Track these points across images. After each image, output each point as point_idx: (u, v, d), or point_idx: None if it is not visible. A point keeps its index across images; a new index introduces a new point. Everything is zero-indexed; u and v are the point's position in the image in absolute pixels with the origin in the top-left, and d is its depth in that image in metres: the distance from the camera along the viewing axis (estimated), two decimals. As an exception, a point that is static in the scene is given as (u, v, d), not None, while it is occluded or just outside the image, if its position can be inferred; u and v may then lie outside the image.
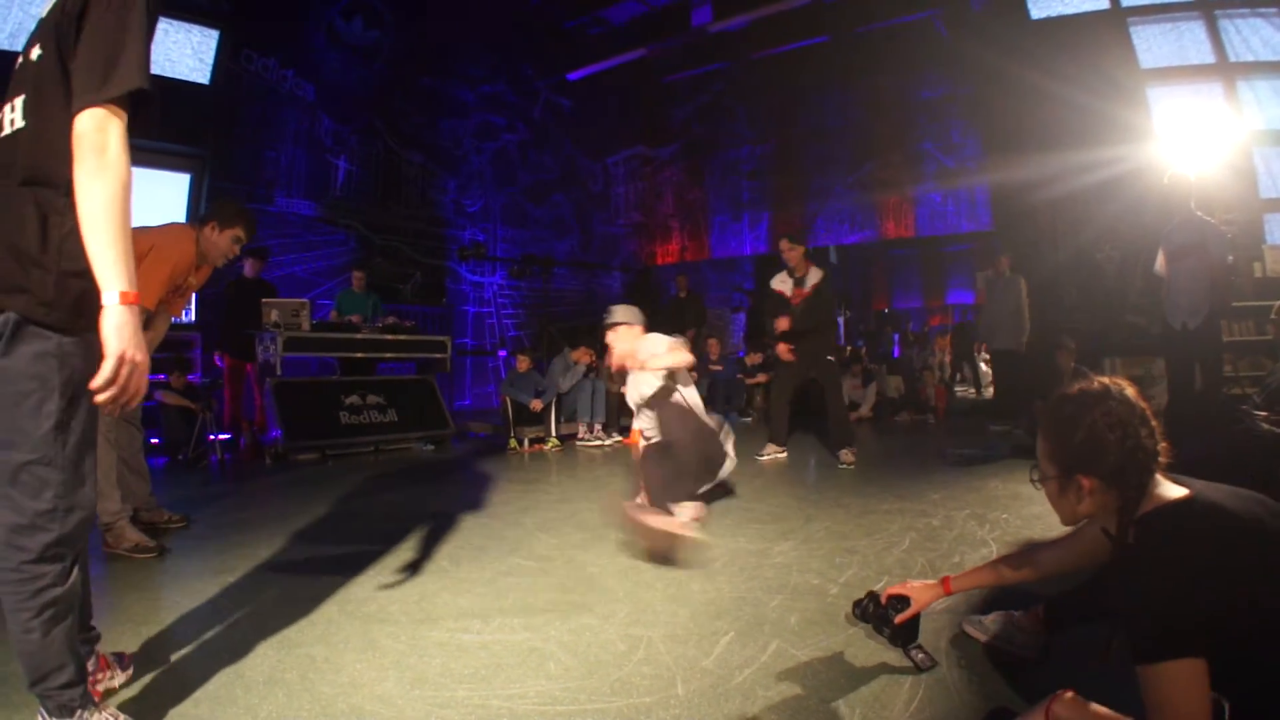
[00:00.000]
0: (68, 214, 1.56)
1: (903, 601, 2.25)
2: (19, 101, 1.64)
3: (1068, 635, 2.18)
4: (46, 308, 1.59)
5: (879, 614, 2.30)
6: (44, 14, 1.65)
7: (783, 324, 6.62)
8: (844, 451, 6.29)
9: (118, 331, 1.49)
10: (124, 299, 1.50)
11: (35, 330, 1.60)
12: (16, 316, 1.58)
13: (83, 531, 1.72)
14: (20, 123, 1.63)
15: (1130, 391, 1.63)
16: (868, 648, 2.33)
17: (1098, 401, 1.62)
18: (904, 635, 2.23)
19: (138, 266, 3.52)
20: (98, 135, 1.50)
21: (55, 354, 1.61)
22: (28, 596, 1.63)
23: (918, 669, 2.15)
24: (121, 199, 1.51)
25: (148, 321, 3.65)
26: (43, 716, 1.72)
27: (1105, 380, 1.66)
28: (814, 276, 6.58)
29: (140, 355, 1.53)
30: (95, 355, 1.56)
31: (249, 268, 8.04)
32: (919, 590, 2.27)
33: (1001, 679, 2.10)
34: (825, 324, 6.65)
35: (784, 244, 6.65)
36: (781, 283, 6.73)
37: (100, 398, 1.51)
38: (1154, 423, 1.61)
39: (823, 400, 6.63)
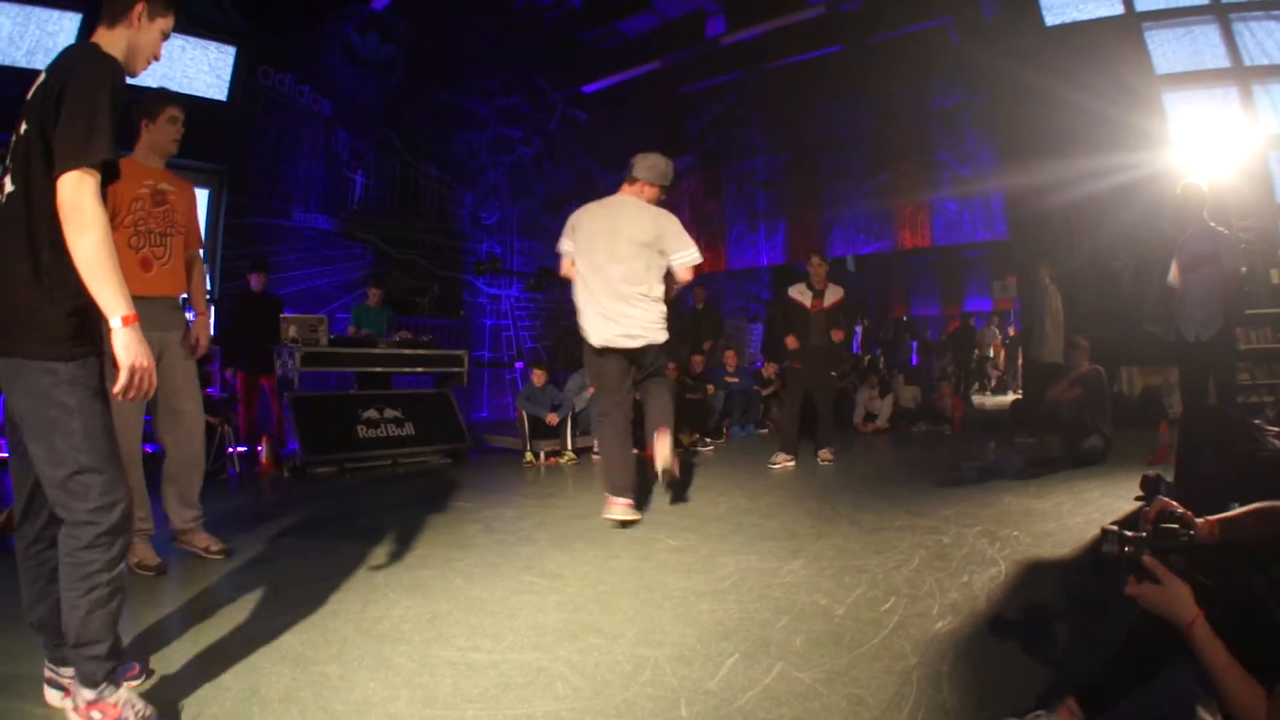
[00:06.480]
0: (55, 264, 1.89)
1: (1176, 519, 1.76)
2: (12, 170, 1.96)
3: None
4: (46, 346, 1.90)
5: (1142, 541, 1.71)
6: (29, 96, 1.97)
7: (792, 341, 6.98)
8: (824, 450, 6.99)
9: (125, 348, 1.87)
10: (125, 321, 1.86)
11: (42, 365, 1.90)
12: (21, 359, 1.90)
13: (126, 522, 1.99)
14: (10, 187, 1.95)
15: None
16: (870, 670, 2.35)
17: None
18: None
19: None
20: (76, 197, 1.82)
21: (66, 381, 1.91)
22: (78, 579, 1.91)
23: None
24: (105, 244, 1.84)
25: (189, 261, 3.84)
26: (72, 684, 1.99)
27: None
28: (834, 294, 6.98)
29: (146, 361, 1.90)
30: (98, 370, 2.00)
31: (255, 282, 8.11)
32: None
33: (1003, 703, 2.10)
34: (837, 342, 7.03)
35: (815, 259, 7.08)
36: (800, 293, 7.05)
37: (121, 400, 1.91)
38: None
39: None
